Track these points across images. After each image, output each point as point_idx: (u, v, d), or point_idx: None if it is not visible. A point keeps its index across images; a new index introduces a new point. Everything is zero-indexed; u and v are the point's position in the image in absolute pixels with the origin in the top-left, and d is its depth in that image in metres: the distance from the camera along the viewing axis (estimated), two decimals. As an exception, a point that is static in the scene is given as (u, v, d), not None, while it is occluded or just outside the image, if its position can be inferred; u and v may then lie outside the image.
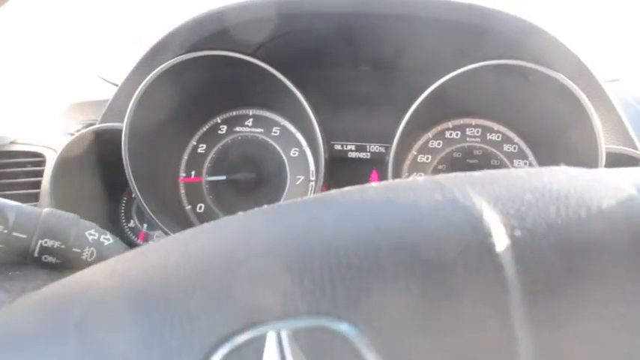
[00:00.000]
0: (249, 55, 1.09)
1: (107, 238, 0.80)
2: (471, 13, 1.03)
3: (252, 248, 0.33)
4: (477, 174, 0.37)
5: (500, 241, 0.31)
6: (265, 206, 0.38)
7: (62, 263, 0.76)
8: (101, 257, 0.77)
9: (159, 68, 1.06)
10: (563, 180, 0.38)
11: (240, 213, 0.37)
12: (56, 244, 0.75)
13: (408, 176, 1.29)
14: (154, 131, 1.17)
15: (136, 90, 1.08)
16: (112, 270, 0.38)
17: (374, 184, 0.38)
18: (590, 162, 1.01)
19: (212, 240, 0.37)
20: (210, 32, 1.07)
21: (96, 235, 0.79)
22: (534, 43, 1.03)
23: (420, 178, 0.39)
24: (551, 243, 0.32)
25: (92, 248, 0.78)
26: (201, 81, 1.19)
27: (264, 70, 1.09)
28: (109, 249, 0.80)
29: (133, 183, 1.09)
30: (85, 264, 0.76)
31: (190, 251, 0.36)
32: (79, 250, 0.77)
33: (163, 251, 0.38)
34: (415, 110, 1.09)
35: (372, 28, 1.08)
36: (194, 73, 1.13)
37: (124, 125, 1.08)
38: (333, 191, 0.38)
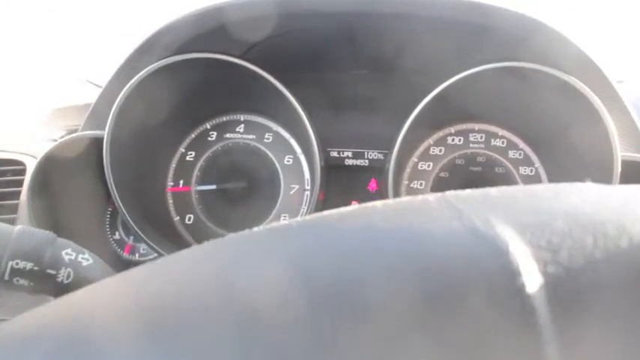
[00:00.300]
0: (238, 57, 1.03)
1: (86, 258, 0.74)
2: (473, 10, 0.97)
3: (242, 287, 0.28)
4: (495, 193, 0.33)
5: (531, 280, 0.26)
6: (250, 230, 0.34)
7: (36, 286, 0.69)
8: (79, 279, 0.71)
9: (142, 72, 0.99)
10: (596, 201, 0.32)
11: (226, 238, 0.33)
12: (29, 265, 0.68)
13: (408, 184, 1.23)
14: (139, 139, 1.11)
15: (119, 95, 1.01)
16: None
17: (379, 203, 0.34)
18: (604, 170, 0.95)
19: (180, 283, 0.30)
20: (197, 33, 1.01)
21: (73, 254, 0.73)
22: (540, 42, 0.97)
23: (432, 199, 0.33)
24: (590, 281, 0.27)
25: (69, 269, 0.71)
26: (189, 85, 1.13)
27: (255, 72, 1.03)
28: (88, 270, 0.73)
29: (116, 194, 1.02)
30: (62, 287, 0.70)
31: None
32: (54, 272, 0.70)
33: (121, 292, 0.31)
34: (417, 115, 1.03)
35: (370, 27, 1.02)
36: (181, 76, 1.06)
37: (105, 133, 1.00)
38: (333, 213, 0.33)
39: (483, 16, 0.97)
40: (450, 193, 0.34)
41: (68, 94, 1.70)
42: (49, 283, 0.69)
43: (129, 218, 1.04)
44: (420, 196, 0.36)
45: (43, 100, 1.70)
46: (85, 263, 0.73)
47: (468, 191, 0.34)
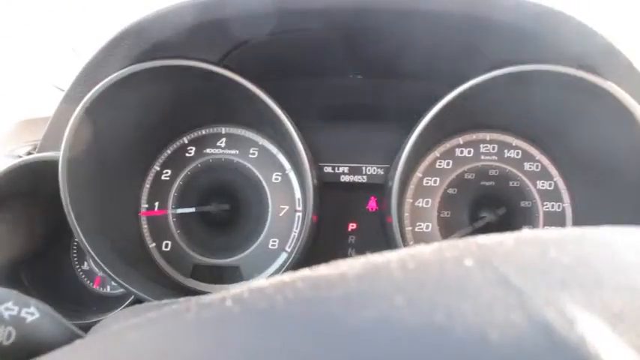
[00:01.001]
0: (214, 64, 0.88)
1: (30, 312, 0.60)
2: (477, 2, 0.83)
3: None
4: (558, 254, 0.27)
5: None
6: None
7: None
8: (24, 339, 0.57)
9: (99, 85, 0.86)
10: None
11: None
12: (-41, 326, 0.55)
13: (412, 203, 1.10)
14: (103, 158, 0.97)
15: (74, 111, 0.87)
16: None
17: (403, 275, 0.27)
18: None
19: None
20: (164, 37, 0.86)
21: (15, 309, 0.59)
22: (560, 38, 0.84)
23: (475, 269, 0.26)
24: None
25: (9, 328, 0.57)
26: (160, 96, 0.99)
27: (234, 81, 0.88)
28: (33, 327, 0.59)
29: (75, 224, 0.89)
30: (1, 350, 0.57)
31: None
32: None
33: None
34: (424, 126, 0.91)
35: (366, 26, 0.89)
36: (148, 86, 0.93)
37: (60, 155, 0.86)
38: (343, 272, 0.28)
39: (490, 9, 0.83)
40: (494, 252, 0.28)
41: (38, 103, 1.56)
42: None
43: (91, 251, 0.90)
44: (450, 253, 0.28)
45: (8, 111, 1.55)
46: (29, 319, 0.59)
47: (516, 248, 0.28)
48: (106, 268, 0.90)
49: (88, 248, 0.89)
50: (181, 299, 0.57)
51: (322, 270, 0.30)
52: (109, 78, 0.86)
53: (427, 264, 0.28)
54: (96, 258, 0.90)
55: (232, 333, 0.27)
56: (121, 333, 0.31)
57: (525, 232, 0.32)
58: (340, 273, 0.28)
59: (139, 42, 0.86)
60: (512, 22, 0.84)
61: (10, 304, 0.58)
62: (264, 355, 0.24)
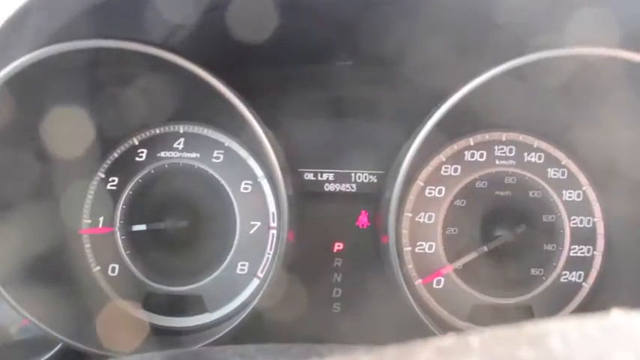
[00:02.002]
0: (155, 45, 0.72)
1: None
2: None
3: None
4: None
5: None
6: None
7: None
8: None
9: (5, 71, 0.67)
10: None
11: None
12: None
13: (413, 218, 0.98)
14: (30, 165, 0.83)
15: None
16: None
17: None
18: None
19: None
20: (88, 6, 0.69)
21: None
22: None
23: None
24: None
25: None
26: (96, 86, 0.84)
27: (182, 68, 0.73)
28: None
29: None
30: None
31: None
32: None
33: None
34: (432, 126, 0.79)
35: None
36: (76, 73, 0.78)
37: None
38: None
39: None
40: None
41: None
42: None
43: (9, 297, 0.78)
44: None
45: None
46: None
47: None
48: (14, 304, 0.75)
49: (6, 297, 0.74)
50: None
51: None
52: (16, 64, 0.70)
53: None
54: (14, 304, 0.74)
55: None
56: None
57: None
58: None
59: (55, 15, 0.69)
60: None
61: None
62: None
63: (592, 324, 0.29)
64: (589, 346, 0.27)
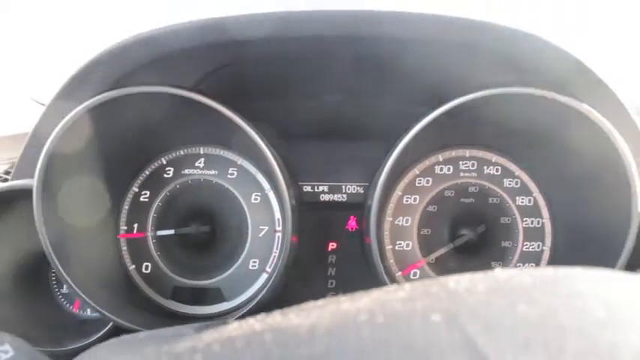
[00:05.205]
0: (188, 89, 0.88)
1: (4, 351, 0.59)
2: (460, 28, 0.84)
3: None
4: (527, 314, 0.27)
5: None
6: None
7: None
8: (-1, 378, 0.57)
9: (74, 112, 0.85)
10: None
11: None
12: None
13: (392, 222, 1.10)
14: (79, 183, 0.96)
15: (49, 137, 0.86)
16: None
17: (360, 319, 0.28)
18: (619, 206, 0.83)
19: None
20: (140, 62, 0.86)
21: (-10, 348, 0.58)
22: (542, 62, 0.85)
23: (439, 322, 0.27)
24: None
25: (-16, 369, 0.57)
26: (136, 118, 0.99)
27: (207, 106, 0.88)
28: (10, 365, 0.58)
29: (50, 251, 0.88)
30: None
31: None
32: None
33: None
34: (405, 145, 0.91)
35: (347, 51, 0.88)
36: (125, 111, 0.92)
37: (34, 184, 0.85)
38: (311, 326, 0.28)
39: (475, 35, 0.84)
40: (463, 305, 0.28)
41: (17, 119, 1.54)
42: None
43: (67, 278, 0.89)
44: (421, 303, 0.29)
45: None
46: (4, 357, 0.59)
47: (487, 299, 0.29)
48: (84, 297, 0.89)
49: (65, 276, 0.88)
50: (154, 334, 0.56)
51: (292, 319, 0.30)
52: (81, 107, 0.85)
53: (396, 318, 0.28)
54: (73, 286, 0.89)
55: None
56: None
57: (497, 276, 0.33)
58: (309, 327, 0.28)
59: (114, 68, 0.86)
60: (495, 47, 0.84)
61: (-16, 344, 0.58)
62: None
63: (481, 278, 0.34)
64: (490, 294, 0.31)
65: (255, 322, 0.31)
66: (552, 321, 0.27)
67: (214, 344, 0.29)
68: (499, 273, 0.34)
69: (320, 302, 0.34)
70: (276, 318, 0.31)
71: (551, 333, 0.26)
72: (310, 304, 0.32)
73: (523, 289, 0.30)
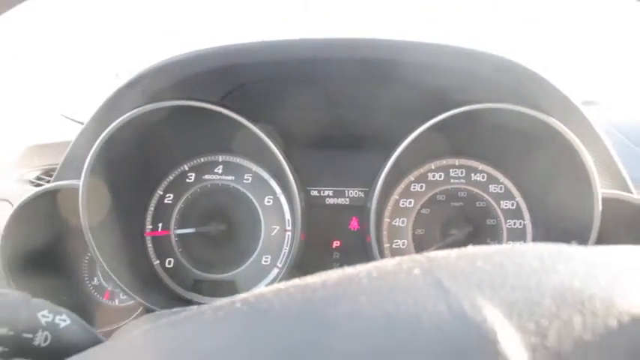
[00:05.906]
0: (215, 103, 1.01)
1: (63, 319, 0.70)
2: (453, 55, 0.97)
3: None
4: (482, 264, 0.34)
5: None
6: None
7: (11, 352, 0.66)
8: (57, 342, 0.68)
9: (118, 121, 0.98)
10: (584, 273, 0.32)
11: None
12: (3, 330, 0.66)
13: (390, 222, 1.22)
14: (115, 185, 1.08)
15: (94, 143, 0.99)
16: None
17: (364, 276, 0.34)
18: (584, 207, 0.95)
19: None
20: (174, 80, 0.99)
21: (50, 316, 0.69)
22: (518, 84, 0.98)
23: (418, 273, 0.33)
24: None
25: (46, 332, 0.68)
26: (165, 129, 1.11)
27: (231, 118, 1.01)
28: (65, 332, 0.70)
29: (93, 244, 1.00)
30: (39, 351, 0.68)
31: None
32: (30, 336, 0.67)
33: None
34: (399, 154, 1.03)
35: (345, 72, 1.01)
36: (158, 121, 1.05)
37: (80, 184, 0.98)
38: (324, 280, 0.34)
39: (453, 59, 0.98)
40: (437, 264, 0.34)
41: (45, 130, 1.67)
42: (25, 347, 0.67)
43: (107, 268, 1.01)
44: (406, 264, 0.35)
45: (18, 136, 1.65)
46: (62, 325, 0.70)
47: (456, 260, 0.34)
48: (119, 282, 1.01)
49: (104, 265, 1.01)
50: (190, 307, 0.68)
51: (308, 279, 0.38)
52: (125, 116, 0.98)
53: (387, 273, 0.35)
54: (110, 273, 1.01)
55: (242, 327, 0.32)
56: (143, 334, 0.36)
57: (469, 248, 0.39)
58: (322, 280, 0.35)
59: (152, 85, 0.99)
60: (473, 70, 0.98)
61: (45, 312, 0.69)
62: (267, 341, 0.31)
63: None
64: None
65: (280, 284, 0.36)
66: (499, 270, 0.33)
67: (250, 297, 0.35)
68: (470, 248, 0.39)
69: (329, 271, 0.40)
70: (295, 281, 0.37)
71: (497, 277, 0.32)
72: (321, 273, 0.38)
73: (484, 253, 0.36)
